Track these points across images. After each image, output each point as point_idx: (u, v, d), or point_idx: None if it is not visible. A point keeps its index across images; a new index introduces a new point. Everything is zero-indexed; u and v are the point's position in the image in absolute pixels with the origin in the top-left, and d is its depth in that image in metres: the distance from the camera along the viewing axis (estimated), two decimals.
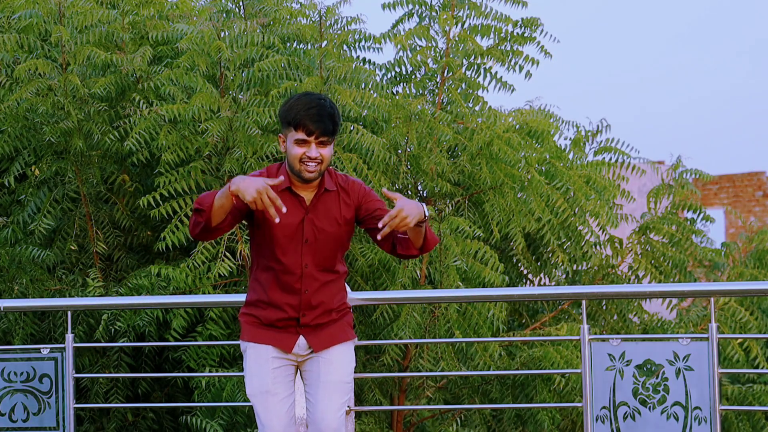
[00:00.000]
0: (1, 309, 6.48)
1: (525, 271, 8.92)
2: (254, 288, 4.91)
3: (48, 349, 6.37)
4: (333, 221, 4.84)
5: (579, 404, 5.90)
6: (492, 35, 8.51)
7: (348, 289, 5.06)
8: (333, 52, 8.03)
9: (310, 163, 4.74)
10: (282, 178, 4.68)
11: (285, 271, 4.81)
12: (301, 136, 4.73)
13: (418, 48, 8.42)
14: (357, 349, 5.00)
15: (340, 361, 4.87)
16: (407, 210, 4.54)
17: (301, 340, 4.87)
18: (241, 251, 7.59)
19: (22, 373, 6.36)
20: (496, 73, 8.46)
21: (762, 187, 25.41)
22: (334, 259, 4.87)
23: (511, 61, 8.49)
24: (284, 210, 4.58)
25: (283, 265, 4.79)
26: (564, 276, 9.01)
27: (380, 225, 4.58)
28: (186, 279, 7.50)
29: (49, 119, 7.82)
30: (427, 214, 4.65)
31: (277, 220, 4.58)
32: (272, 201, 4.52)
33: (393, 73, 8.63)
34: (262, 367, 4.85)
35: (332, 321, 4.89)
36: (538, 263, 8.89)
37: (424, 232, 4.75)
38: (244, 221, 4.97)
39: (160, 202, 7.63)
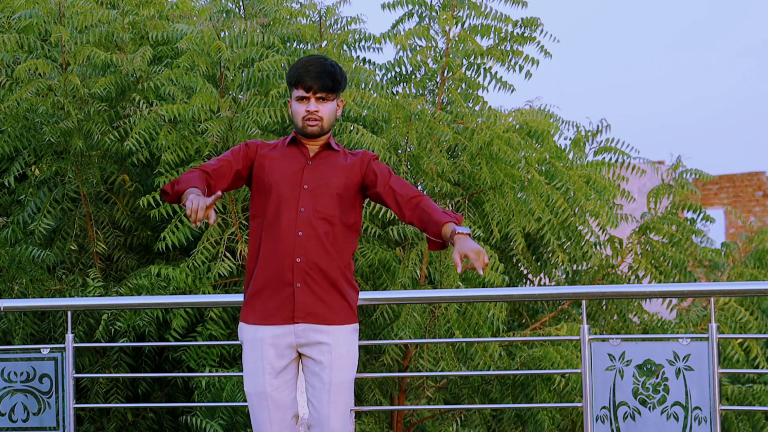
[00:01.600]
0: (1, 309, 6.47)
1: (525, 271, 8.91)
2: (251, 247, 4.89)
3: (48, 349, 6.36)
4: (333, 172, 4.85)
5: (579, 404, 5.89)
6: (492, 35, 8.50)
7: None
8: (333, 52, 8.04)
9: (310, 119, 4.81)
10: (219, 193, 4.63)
11: (282, 213, 4.78)
12: (301, 92, 4.81)
13: (418, 48, 8.41)
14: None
15: (343, 362, 4.82)
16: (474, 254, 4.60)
17: (297, 307, 4.80)
18: (240, 251, 7.59)
19: (22, 373, 6.35)
20: (496, 73, 8.46)
21: (762, 187, 25.40)
22: (334, 209, 4.83)
23: (511, 61, 8.48)
24: (211, 220, 4.57)
25: (281, 207, 4.78)
26: (564, 276, 9.01)
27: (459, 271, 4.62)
28: (186, 279, 7.50)
29: (49, 119, 7.81)
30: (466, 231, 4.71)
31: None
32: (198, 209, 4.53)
33: (393, 73, 8.62)
34: (258, 365, 4.82)
35: (330, 286, 4.82)
36: (538, 263, 8.88)
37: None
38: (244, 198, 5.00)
39: (160, 202, 7.63)
